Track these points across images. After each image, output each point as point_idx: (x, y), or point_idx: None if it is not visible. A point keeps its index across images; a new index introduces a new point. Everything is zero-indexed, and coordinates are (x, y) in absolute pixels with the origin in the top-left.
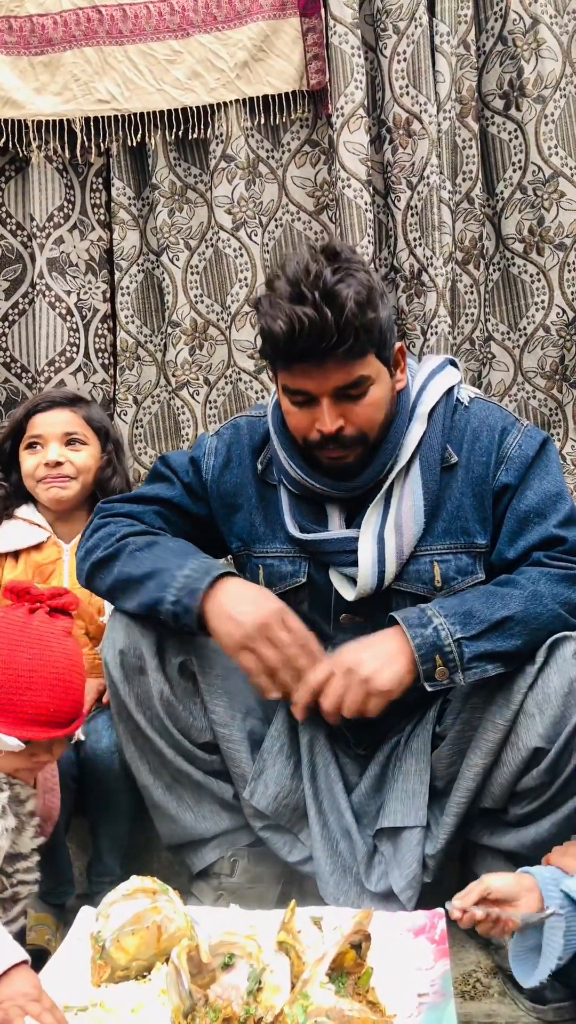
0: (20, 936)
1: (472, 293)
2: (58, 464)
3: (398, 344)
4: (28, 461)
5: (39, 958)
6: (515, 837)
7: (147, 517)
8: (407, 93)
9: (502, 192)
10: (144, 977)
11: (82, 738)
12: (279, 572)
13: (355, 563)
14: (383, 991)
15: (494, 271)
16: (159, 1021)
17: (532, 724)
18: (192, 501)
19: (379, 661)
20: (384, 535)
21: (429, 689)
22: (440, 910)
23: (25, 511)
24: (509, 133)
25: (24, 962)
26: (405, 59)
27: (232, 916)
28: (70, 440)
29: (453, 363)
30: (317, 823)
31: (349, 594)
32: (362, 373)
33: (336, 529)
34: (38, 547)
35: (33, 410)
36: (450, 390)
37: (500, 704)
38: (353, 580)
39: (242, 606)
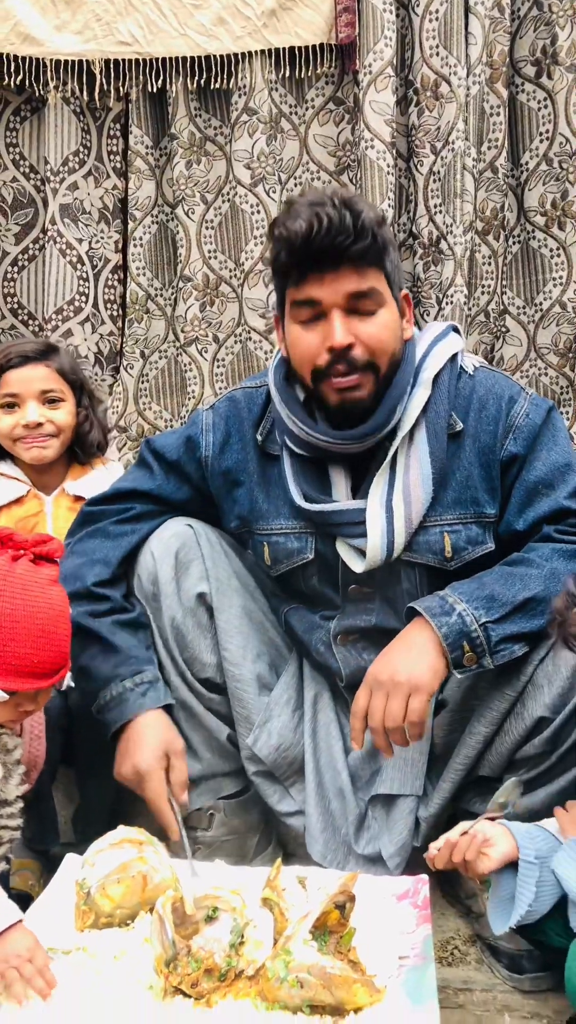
0: (1, 880)
1: (490, 264)
2: (39, 425)
3: (404, 291)
4: (4, 420)
5: (22, 902)
6: None
7: (117, 532)
8: (437, 54)
9: (527, 163)
10: (128, 925)
11: (71, 684)
12: (285, 549)
13: (364, 534)
14: (364, 952)
15: (513, 243)
16: (141, 968)
17: (539, 695)
18: (176, 486)
19: (410, 659)
20: (392, 504)
21: (459, 676)
22: (424, 876)
23: (3, 467)
24: (539, 102)
25: (20, 921)
26: (437, 18)
27: (217, 871)
28: (47, 398)
29: (455, 330)
30: (313, 780)
31: (358, 566)
32: (374, 284)
33: (342, 498)
34: (18, 501)
35: (6, 366)
36: (454, 357)
37: (510, 675)
38: (361, 552)
39: (148, 737)
